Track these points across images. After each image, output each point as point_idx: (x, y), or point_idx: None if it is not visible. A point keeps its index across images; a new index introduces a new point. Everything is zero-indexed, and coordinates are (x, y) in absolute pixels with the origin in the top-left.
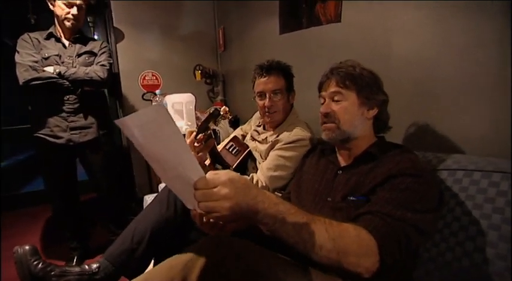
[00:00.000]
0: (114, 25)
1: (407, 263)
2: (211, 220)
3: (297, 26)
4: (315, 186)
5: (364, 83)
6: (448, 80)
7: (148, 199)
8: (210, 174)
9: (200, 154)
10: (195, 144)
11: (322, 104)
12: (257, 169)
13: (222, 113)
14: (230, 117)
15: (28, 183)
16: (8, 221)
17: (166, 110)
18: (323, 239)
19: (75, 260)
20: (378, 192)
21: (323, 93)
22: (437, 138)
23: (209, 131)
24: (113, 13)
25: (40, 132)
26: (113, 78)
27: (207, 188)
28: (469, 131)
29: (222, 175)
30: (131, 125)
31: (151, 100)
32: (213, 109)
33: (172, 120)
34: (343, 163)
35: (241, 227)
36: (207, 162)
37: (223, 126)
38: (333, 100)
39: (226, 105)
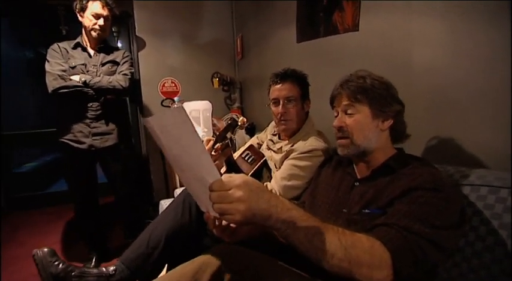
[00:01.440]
0: (137, 34)
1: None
2: (223, 223)
3: (314, 35)
4: (331, 196)
5: (376, 95)
6: (471, 91)
7: (164, 203)
8: (225, 177)
9: (217, 162)
10: (213, 153)
11: (336, 116)
12: (271, 178)
13: (240, 123)
14: (247, 124)
15: (55, 183)
16: (33, 220)
17: (185, 111)
18: (335, 247)
19: (93, 260)
20: (396, 205)
21: (336, 107)
22: (459, 151)
23: (226, 141)
24: (135, 23)
25: (65, 137)
26: (133, 85)
27: (222, 190)
28: (493, 144)
29: (237, 177)
30: (154, 126)
31: (169, 107)
32: (231, 120)
33: (190, 121)
34: (360, 175)
35: (254, 232)
36: (223, 170)
37: (239, 133)
38: (346, 113)
39: (242, 112)
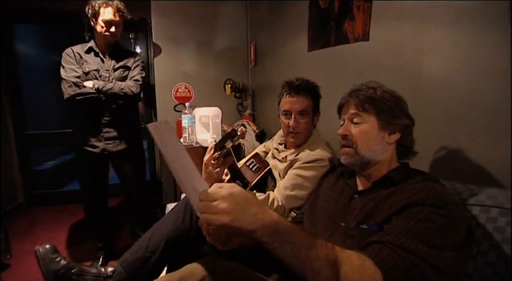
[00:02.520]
0: (154, 40)
1: None
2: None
3: (325, 44)
4: (330, 208)
5: (385, 107)
6: (483, 104)
7: (170, 207)
8: (213, 187)
9: (217, 170)
10: (212, 162)
11: (342, 125)
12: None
13: (239, 133)
14: (257, 131)
15: (72, 181)
16: (50, 216)
17: (169, 125)
18: (321, 264)
19: (100, 259)
20: (393, 221)
21: (342, 115)
22: (469, 168)
23: (225, 150)
24: (153, 29)
25: (79, 140)
26: (147, 89)
27: (207, 200)
28: (507, 161)
29: (224, 189)
30: (153, 133)
31: (181, 111)
32: (240, 126)
33: (174, 133)
34: (361, 187)
35: (246, 241)
36: (227, 178)
37: (249, 139)
38: (352, 122)
39: (254, 119)
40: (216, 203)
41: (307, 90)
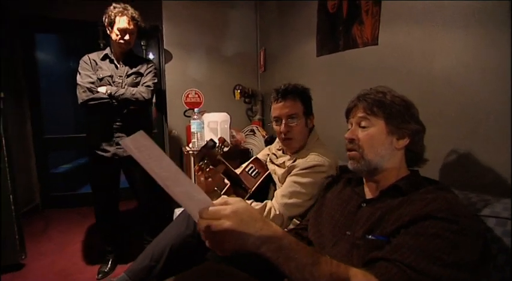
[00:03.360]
0: (165, 47)
1: None
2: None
3: (334, 48)
4: (336, 216)
5: (394, 111)
6: (495, 110)
7: (178, 212)
8: (217, 202)
9: (209, 179)
10: (197, 173)
11: (349, 129)
12: None
13: (218, 143)
14: (266, 136)
15: (86, 185)
16: (64, 218)
17: (146, 135)
18: None
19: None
20: (401, 235)
21: (350, 119)
22: (483, 176)
23: (206, 161)
24: (164, 36)
25: (91, 144)
26: (159, 95)
27: (211, 219)
28: None
29: (228, 207)
30: (132, 147)
31: (190, 117)
32: (251, 131)
33: (154, 144)
34: (369, 196)
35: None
36: (226, 187)
37: (258, 144)
38: (360, 126)
39: (263, 125)
40: (220, 222)
41: (295, 93)
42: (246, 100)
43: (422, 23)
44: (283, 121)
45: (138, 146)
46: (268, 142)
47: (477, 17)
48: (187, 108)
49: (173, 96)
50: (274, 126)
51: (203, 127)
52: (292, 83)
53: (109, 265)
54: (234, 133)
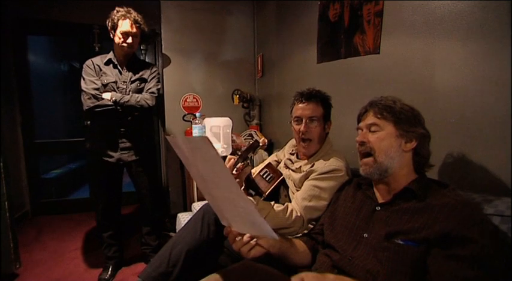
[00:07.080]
0: (163, 51)
1: None
2: (244, 239)
3: (335, 56)
4: (351, 220)
5: (402, 117)
6: (495, 117)
7: (182, 217)
8: None
9: (237, 180)
10: (234, 172)
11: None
12: (289, 197)
13: (261, 144)
14: (265, 143)
15: (77, 190)
16: (57, 225)
17: (209, 141)
18: None
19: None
20: (438, 256)
21: (361, 124)
22: (485, 180)
23: (248, 160)
24: (162, 41)
25: (95, 150)
26: (158, 100)
27: None
28: None
29: None
30: (182, 145)
31: (191, 121)
32: (252, 139)
33: (215, 149)
34: (381, 199)
35: (272, 250)
36: (242, 188)
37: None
38: (370, 131)
39: (261, 129)
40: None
41: (318, 97)
42: (244, 105)
43: (423, 33)
44: (304, 121)
45: (192, 147)
46: (266, 146)
47: (477, 28)
48: (186, 112)
49: (171, 101)
50: (294, 126)
51: (205, 131)
52: (294, 88)
53: (109, 272)
54: (235, 137)
